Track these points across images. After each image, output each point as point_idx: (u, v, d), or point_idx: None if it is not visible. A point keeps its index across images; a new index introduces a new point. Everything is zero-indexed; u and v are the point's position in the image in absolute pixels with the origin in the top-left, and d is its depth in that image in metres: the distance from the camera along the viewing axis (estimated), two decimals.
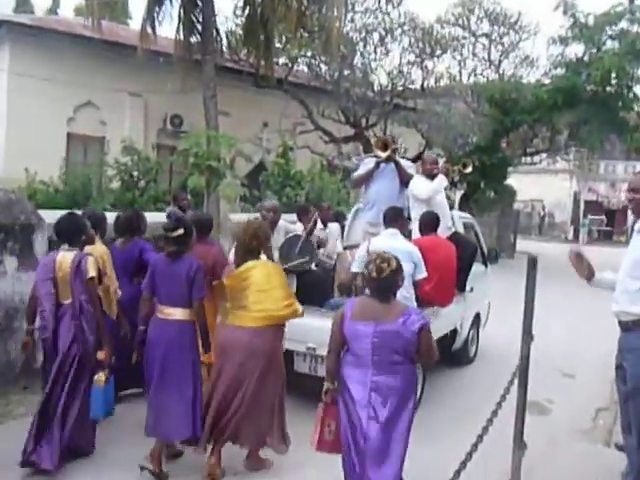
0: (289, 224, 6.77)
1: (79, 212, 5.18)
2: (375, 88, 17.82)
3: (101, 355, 4.50)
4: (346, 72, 17.27)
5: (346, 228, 7.42)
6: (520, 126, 18.13)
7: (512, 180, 21.77)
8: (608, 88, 16.75)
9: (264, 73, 15.01)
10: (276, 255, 5.87)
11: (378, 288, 3.80)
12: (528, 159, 25.88)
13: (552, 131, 19.17)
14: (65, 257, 4.54)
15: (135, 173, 13.02)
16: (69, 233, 4.62)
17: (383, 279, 3.77)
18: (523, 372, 4.04)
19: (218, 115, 12.52)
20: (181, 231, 4.61)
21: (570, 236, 38.09)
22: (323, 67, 17.48)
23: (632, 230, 4.18)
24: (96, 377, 4.48)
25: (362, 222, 7.18)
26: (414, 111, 17.74)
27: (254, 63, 15.28)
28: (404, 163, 7.30)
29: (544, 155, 26.60)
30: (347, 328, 3.83)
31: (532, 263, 3.96)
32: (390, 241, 5.61)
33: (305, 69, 17.79)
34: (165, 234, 4.60)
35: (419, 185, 7.06)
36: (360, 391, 3.73)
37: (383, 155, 7.11)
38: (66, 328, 4.46)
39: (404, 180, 7.09)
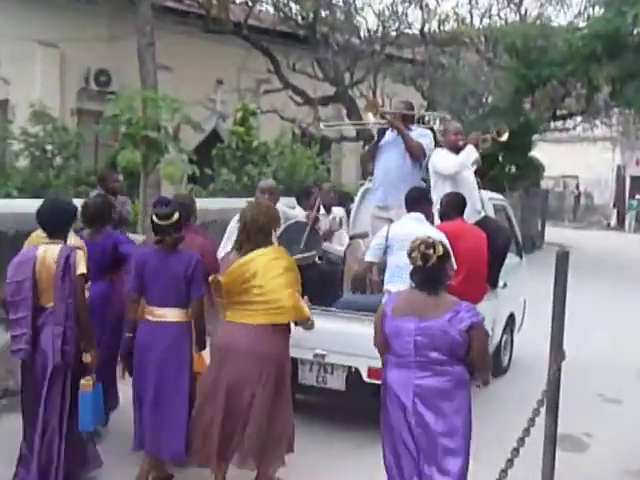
0: (288, 209, 7.04)
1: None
2: (361, 34, 17.84)
3: (87, 358, 4.73)
4: (324, 13, 17.25)
5: (352, 213, 7.64)
6: (548, 82, 18.24)
7: (539, 152, 21.92)
8: None
9: (217, 15, 14.91)
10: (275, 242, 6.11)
11: (424, 279, 4.16)
12: (559, 124, 26.03)
13: (589, 88, 19.30)
14: (48, 252, 4.73)
15: (49, 147, 12.87)
16: (54, 222, 4.83)
17: (429, 268, 4.12)
18: (552, 400, 4.06)
19: (157, 70, 12.43)
20: (177, 216, 4.97)
21: (613, 222, 38.49)
22: (294, 7, 17.46)
23: None
24: (83, 381, 4.70)
25: (370, 206, 7.44)
26: (412, 63, 17.81)
27: (204, 2, 15.18)
28: (417, 132, 7.27)
29: (579, 119, 26.86)
30: (388, 325, 4.23)
31: (563, 259, 3.96)
32: (414, 227, 5.86)
33: (270, 10, 17.75)
34: (159, 222, 4.91)
35: (441, 159, 7.23)
36: (403, 396, 4.13)
37: (372, 119, 7.28)
38: (49, 337, 4.67)
39: (413, 153, 7.13)
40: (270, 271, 4.87)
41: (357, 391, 6.22)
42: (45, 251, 4.72)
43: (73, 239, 5.27)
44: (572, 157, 36.03)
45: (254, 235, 4.97)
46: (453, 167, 7.11)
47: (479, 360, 4.11)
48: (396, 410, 4.18)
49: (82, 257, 4.76)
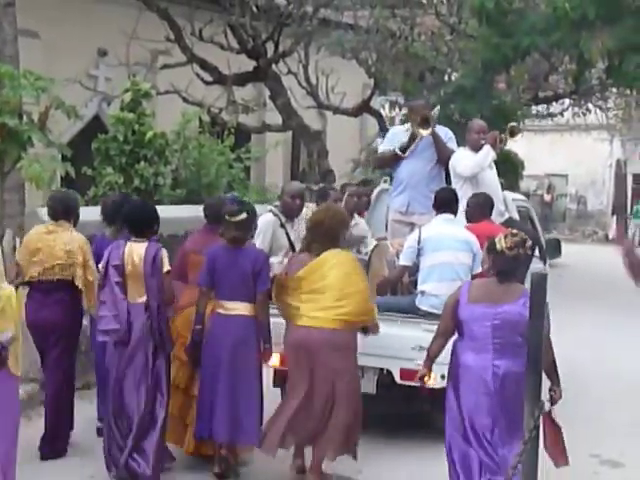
0: (308, 210, 8.66)
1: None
2: None
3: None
4: None
5: (366, 215, 9.38)
6: (528, 55, 18.49)
7: (517, 144, 22.18)
8: None
9: None
10: (298, 246, 7.92)
11: (505, 266, 5.85)
12: (542, 109, 26.38)
13: (580, 63, 19.66)
14: (134, 249, 6.82)
15: None
16: (141, 223, 6.98)
17: (513, 257, 5.84)
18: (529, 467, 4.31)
19: (19, 37, 12.21)
20: (244, 215, 6.92)
21: (612, 232, 39.15)
22: None
23: None
24: None
25: (390, 209, 9.58)
26: (353, 31, 17.88)
27: None
28: (442, 133, 9.37)
29: (567, 102, 27.40)
30: (463, 312, 5.94)
31: (539, 284, 4.54)
32: (445, 228, 7.97)
33: None
34: (230, 220, 6.87)
35: (461, 160, 9.13)
36: (481, 377, 5.81)
37: (425, 133, 9.16)
38: (139, 329, 6.82)
39: (444, 156, 9.28)
40: (348, 274, 6.76)
41: (389, 394, 7.95)
42: (131, 248, 6.82)
43: (77, 235, 7.54)
44: (559, 151, 36.62)
45: (322, 237, 6.82)
46: (470, 168, 9.02)
47: (546, 342, 5.48)
48: (474, 392, 5.87)
49: (166, 255, 6.82)
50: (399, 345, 7.70)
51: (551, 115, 27.66)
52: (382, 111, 21.11)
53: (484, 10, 17.53)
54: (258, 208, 8.07)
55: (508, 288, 5.82)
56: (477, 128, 9.49)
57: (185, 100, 16.77)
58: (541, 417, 5.32)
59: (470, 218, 8.46)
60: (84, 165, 12.89)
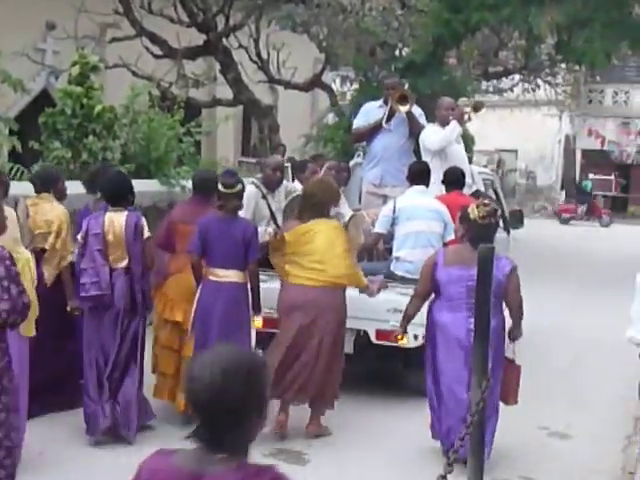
0: (289, 183, 9.82)
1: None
2: None
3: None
4: None
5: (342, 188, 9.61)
6: (478, 30, 18.58)
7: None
8: None
9: None
10: (280, 218, 8.79)
11: (477, 233, 6.50)
12: (491, 85, 26.52)
13: (529, 38, 19.78)
14: (114, 218, 7.26)
15: None
16: (117, 193, 7.41)
17: (485, 225, 6.59)
18: (476, 444, 4.40)
19: None
20: (240, 186, 7.46)
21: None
22: None
23: None
24: None
25: (363, 182, 10.30)
26: (304, 5, 17.79)
27: None
28: (414, 110, 10.05)
29: (516, 78, 27.57)
30: (440, 274, 6.71)
31: (486, 256, 4.63)
32: (419, 199, 8.66)
33: None
34: (225, 191, 7.34)
35: (430, 135, 9.77)
36: (458, 333, 6.50)
37: (404, 110, 9.86)
38: (121, 292, 7.25)
39: (415, 132, 9.98)
40: (331, 241, 7.43)
41: (365, 354, 8.55)
42: (111, 217, 7.26)
43: (57, 206, 7.85)
44: (509, 126, 36.82)
45: (313, 208, 7.49)
46: (438, 142, 9.65)
47: (514, 296, 6.70)
48: (453, 347, 6.59)
49: (145, 223, 7.34)
50: (375, 308, 8.20)
51: (501, 90, 27.85)
52: (333, 86, 21.10)
53: None
54: None
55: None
56: (446, 105, 10.11)
57: (134, 74, 16.57)
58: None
59: (446, 189, 9.21)
60: (32, 139, 12.75)
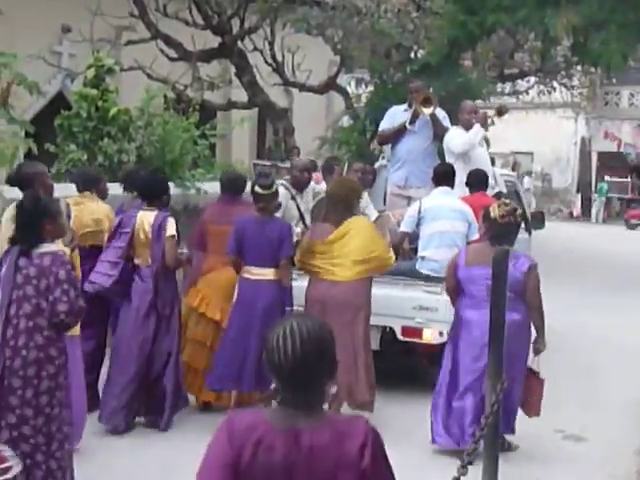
0: (316, 185, 10.19)
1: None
2: None
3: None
4: None
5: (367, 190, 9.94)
6: (494, 32, 18.52)
7: None
8: None
9: None
10: (308, 219, 9.28)
11: (497, 232, 6.90)
12: (507, 87, 26.44)
13: (545, 40, 19.72)
14: (145, 217, 7.60)
15: None
16: (151, 192, 7.76)
17: (505, 224, 6.93)
18: (490, 446, 4.48)
19: None
20: (275, 187, 7.88)
21: (577, 210, 39.42)
22: None
23: None
24: None
25: (388, 183, 10.68)
26: (319, 7, 17.80)
27: None
28: (437, 112, 10.38)
29: (532, 80, 27.49)
30: (461, 274, 7.10)
31: (501, 258, 4.72)
32: (443, 199, 9.02)
33: None
34: (262, 192, 7.72)
35: (454, 138, 10.15)
36: (480, 330, 6.45)
37: (427, 112, 10.23)
38: (140, 290, 7.65)
39: (439, 134, 10.33)
40: (365, 239, 7.70)
41: (390, 349, 8.85)
42: (142, 217, 7.60)
43: (102, 205, 8.31)
44: (524, 128, 36.63)
45: (339, 208, 7.78)
46: (461, 145, 10.03)
47: (533, 293, 7.00)
48: (472, 345, 6.91)
49: (172, 222, 7.59)
50: (401, 305, 8.56)
51: (517, 93, 27.76)
52: (348, 88, 21.05)
53: None
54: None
55: (500, 249, 6.70)
56: (469, 109, 10.54)
57: (149, 76, 16.61)
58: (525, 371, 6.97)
59: (470, 190, 9.53)
60: (47, 142, 12.78)
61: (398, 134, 10.55)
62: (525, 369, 7.18)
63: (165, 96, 15.61)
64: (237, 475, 2.93)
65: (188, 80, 17.45)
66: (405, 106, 10.82)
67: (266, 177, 8.14)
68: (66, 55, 17.86)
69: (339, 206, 7.81)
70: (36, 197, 6.08)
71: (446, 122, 10.55)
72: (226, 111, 20.17)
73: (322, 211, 8.49)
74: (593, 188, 39.12)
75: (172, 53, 17.55)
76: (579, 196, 39.65)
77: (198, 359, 8.23)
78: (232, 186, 8.68)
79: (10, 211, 6.59)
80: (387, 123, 10.87)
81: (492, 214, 7.02)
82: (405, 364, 9.57)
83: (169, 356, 7.73)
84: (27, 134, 10.72)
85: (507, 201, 7.41)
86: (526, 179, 36.02)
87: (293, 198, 9.31)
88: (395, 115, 10.83)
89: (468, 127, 10.22)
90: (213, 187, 11.94)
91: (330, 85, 20.11)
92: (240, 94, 18.97)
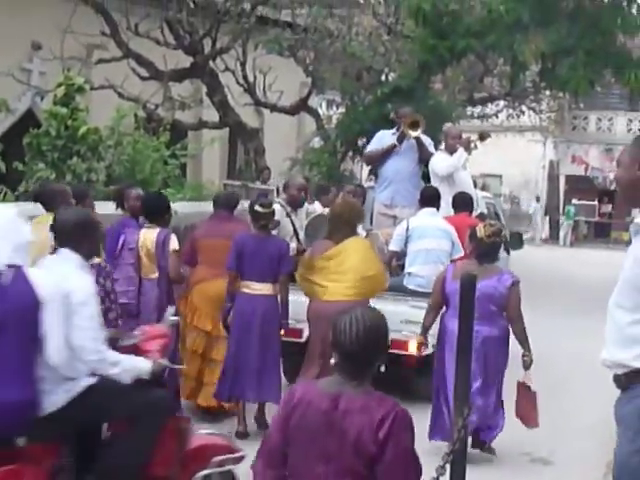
0: (309, 205, 10.82)
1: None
2: None
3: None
4: None
5: None
6: (464, 56, 18.65)
7: None
8: None
9: None
10: (302, 235, 9.69)
11: (484, 250, 7.52)
12: (476, 110, 26.63)
13: (514, 65, 19.86)
14: (147, 234, 8.06)
15: None
16: (155, 211, 8.21)
17: (491, 243, 7.52)
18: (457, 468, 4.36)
19: None
20: (274, 206, 8.49)
21: (545, 233, 39.65)
22: None
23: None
24: None
25: (375, 203, 11.21)
26: (291, 29, 17.87)
27: None
28: (424, 139, 10.98)
29: (501, 104, 27.68)
30: (449, 287, 7.45)
31: (468, 285, 4.73)
32: (429, 220, 9.57)
33: None
34: (262, 211, 8.15)
35: (439, 162, 10.74)
36: None
37: (414, 134, 10.82)
38: (149, 303, 8.07)
39: (425, 158, 10.97)
40: (362, 259, 8.07)
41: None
42: (145, 234, 8.06)
43: None
44: (494, 151, 36.73)
45: (341, 226, 8.16)
46: (446, 169, 10.62)
47: (514, 308, 7.51)
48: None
49: (174, 238, 8.05)
50: (389, 318, 8.44)
51: (486, 116, 27.96)
52: (319, 110, 21.14)
53: (421, 11, 17.64)
54: (194, 206, 9.42)
55: (485, 268, 7.36)
56: (453, 134, 11.17)
57: (120, 95, 16.56)
58: (517, 385, 7.40)
59: (455, 211, 10.09)
60: (16, 160, 12.73)
61: (386, 154, 11.12)
62: (502, 379, 7.70)
63: (136, 115, 15.64)
64: (288, 430, 3.73)
65: (159, 99, 17.41)
66: (394, 130, 11.34)
67: (266, 197, 9.00)
68: (36, 73, 17.79)
69: (343, 226, 8.19)
70: (77, 212, 6.23)
71: (431, 148, 11.18)
72: (197, 131, 20.20)
73: (319, 228, 9.02)
74: (561, 211, 39.36)
75: (143, 72, 17.50)
76: (547, 219, 39.88)
77: (191, 367, 8.52)
78: (226, 203, 9.17)
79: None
80: (375, 145, 11.47)
81: (479, 234, 7.51)
82: (394, 375, 9.68)
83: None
84: None
85: (493, 222, 8.08)
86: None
87: (288, 215, 9.77)
88: (383, 138, 11.38)
89: (452, 151, 10.83)
90: (183, 207, 11.93)
91: (301, 106, 20.18)
92: (211, 114, 18.97)
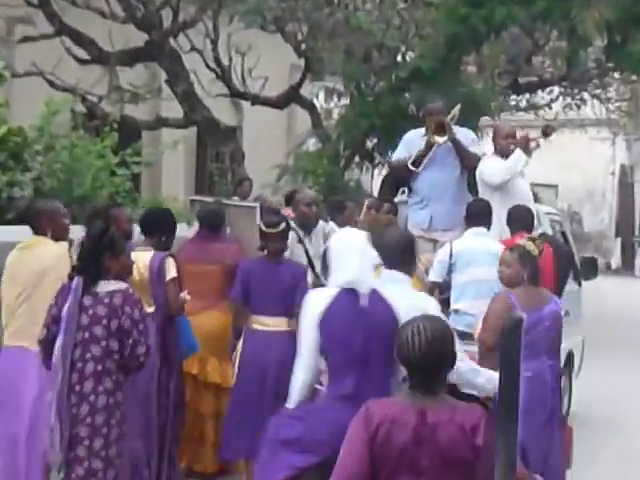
0: (326, 224, 10.45)
1: None
2: None
3: None
4: None
5: None
6: (505, 30, 18.65)
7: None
8: None
9: None
10: (318, 266, 9.14)
11: (536, 270, 7.80)
12: (523, 99, 26.54)
13: (571, 40, 19.87)
14: (139, 258, 7.92)
15: None
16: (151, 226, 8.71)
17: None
18: None
19: None
20: (284, 225, 8.67)
21: (617, 260, 39.54)
22: None
23: None
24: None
25: (409, 223, 11.14)
26: None
27: None
28: (462, 135, 11.00)
29: (555, 91, 27.64)
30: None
31: (512, 331, 4.89)
32: (478, 242, 9.55)
33: None
34: (268, 230, 8.54)
35: (489, 168, 10.60)
36: (542, 379, 7.54)
37: (440, 141, 10.70)
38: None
39: (469, 165, 10.89)
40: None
41: None
42: (136, 257, 7.74)
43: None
44: (547, 154, 36.68)
45: (404, 255, 7.66)
46: (499, 175, 10.44)
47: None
48: (537, 395, 7.30)
49: (172, 263, 8.30)
50: None
51: (535, 107, 27.93)
52: (315, 101, 21.12)
53: None
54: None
55: (540, 290, 7.84)
56: (505, 132, 10.98)
57: (52, 84, 16.64)
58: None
59: (511, 230, 9.92)
60: None
61: (408, 171, 11.05)
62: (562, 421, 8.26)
63: (73, 111, 15.59)
64: (373, 451, 4.45)
65: (104, 90, 17.47)
66: (424, 130, 11.11)
67: (273, 213, 9.26)
68: None
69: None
70: (103, 229, 6.91)
71: (474, 147, 11.11)
72: (154, 130, 20.17)
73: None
74: (637, 231, 39.31)
75: (82, 54, 17.59)
76: (619, 241, 39.83)
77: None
78: (209, 220, 9.68)
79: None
80: (403, 151, 11.30)
81: (533, 251, 7.79)
82: None
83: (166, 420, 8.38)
84: None
85: (533, 235, 8.46)
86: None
87: (300, 241, 9.78)
88: (413, 142, 11.24)
89: (505, 153, 10.64)
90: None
91: (292, 97, 20.17)
92: (173, 108, 18.98)
